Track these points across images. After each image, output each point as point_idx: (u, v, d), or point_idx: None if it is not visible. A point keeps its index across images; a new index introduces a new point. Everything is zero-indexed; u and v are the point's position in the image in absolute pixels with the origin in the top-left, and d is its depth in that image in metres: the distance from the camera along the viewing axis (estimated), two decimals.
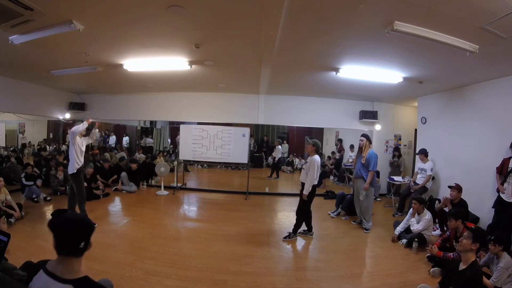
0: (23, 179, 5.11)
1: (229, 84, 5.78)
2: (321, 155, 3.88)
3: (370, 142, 4.46)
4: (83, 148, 3.96)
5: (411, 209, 3.95)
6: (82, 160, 3.95)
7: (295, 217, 3.90)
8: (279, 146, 9.09)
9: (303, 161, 10.29)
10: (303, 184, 3.81)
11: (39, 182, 5.23)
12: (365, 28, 2.70)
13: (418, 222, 3.79)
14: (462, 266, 2.09)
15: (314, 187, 3.72)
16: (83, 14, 2.60)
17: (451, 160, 4.98)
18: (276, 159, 9.18)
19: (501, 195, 3.61)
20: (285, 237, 3.83)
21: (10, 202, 3.99)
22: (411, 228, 3.80)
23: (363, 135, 4.48)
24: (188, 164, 8.07)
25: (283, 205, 5.89)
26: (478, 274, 2.04)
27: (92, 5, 2.43)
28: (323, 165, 8.76)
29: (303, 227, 3.96)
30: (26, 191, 5.05)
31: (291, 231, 3.89)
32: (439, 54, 3.22)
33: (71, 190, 3.99)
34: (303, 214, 3.86)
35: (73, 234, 1.25)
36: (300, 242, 3.80)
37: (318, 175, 3.74)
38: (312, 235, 3.98)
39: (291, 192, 6.95)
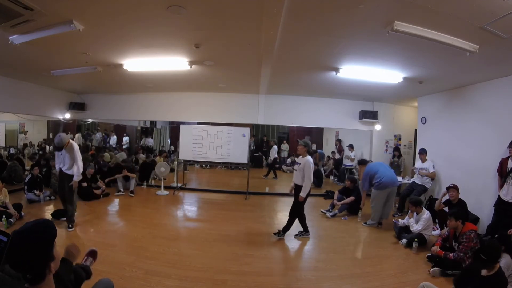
0: (26, 186, 4.93)
1: (229, 84, 5.78)
2: (312, 154, 3.90)
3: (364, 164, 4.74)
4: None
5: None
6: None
7: (288, 217, 3.86)
8: (275, 146, 9.10)
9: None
10: (296, 185, 3.78)
11: (38, 192, 4.98)
12: (365, 28, 2.70)
13: (417, 222, 3.79)
14: (485, 272, 2.07)
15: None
16: (83, 14, 2.60)
17: (451, 160, 4.97)
18: (272, 158, 9.18)
19: (500, 193, 3.61)
20: (275, 233, 3.85)
21: (7, 205, 3.96)
22: (411, 229, 3.80)
23: None
24: (188, 164, 8.07)
25: (283, 205, 5.88)
26: (503, 281, 2.03)
27: (92, 5, 2.43)
28: (315, 164, 8.82)
29: (299, 228, 3.94)
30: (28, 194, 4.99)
31: (281, 229, 3.86)
32: (439, 54, 3.22)
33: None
34: (296, 215, 3.82)
35: (25, 256, 1.02)
36: (299, 242, 3.79)
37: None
38: (309, 235, 3.93)
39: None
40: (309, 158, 3.72)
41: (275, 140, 9.91)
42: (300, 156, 3.83)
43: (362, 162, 4.96)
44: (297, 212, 3.82)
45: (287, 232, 3.87)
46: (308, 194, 3.70)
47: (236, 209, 5.37)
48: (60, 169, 3.84)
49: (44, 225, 1.14)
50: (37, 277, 1.05)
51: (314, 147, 11.28)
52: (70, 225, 3.79)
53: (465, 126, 4.69)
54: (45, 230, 1.12)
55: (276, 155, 9.14)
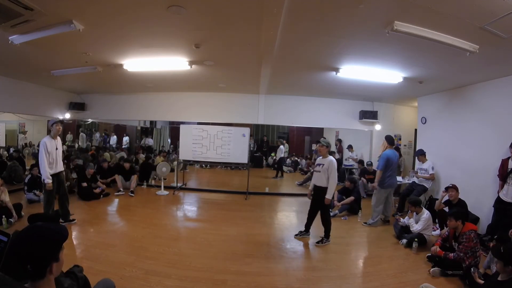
0: (26, 186, 4.99)
1: (229, 84, 5.78)
2: (331, 154, 3.81)
3: (389, 143, 4.57)
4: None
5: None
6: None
7: (323, 226, 3.74)
8: (282, 146, 9.17)
9: (303, 161, 10.34)
10: (317, 187, 3.68)
11: (38, 193, 5.00)
12: (365, 28, 2.70)
13: (417, 222, 3.79)
14: (503, 277, 2.09)
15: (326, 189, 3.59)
16: (83, 14, 2.60)
17: (451, 160, 4.97)
18: (277, 159, 9.24)
19: (500, 194, 3.61)
20: (318, 242, 3.70)
21: (7, 204, 3.96)
22: (411, 229, 3.80)
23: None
24: (188, 164, 8.09)
25: (283, 205, 5.89)
26: None
27: (92, 5, 2.43)
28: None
29: (301, 228, 3.95)
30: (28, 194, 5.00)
31: (323, 235, 3.76)
32: (439, 54, 3.22)
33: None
34: (325, 218, 3.74)
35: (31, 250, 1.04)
36: (299, 242, 3.79)
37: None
38: (309, 235, 3.90)
39: (291, 192, 6.96)
40: (332, 158, 3.66)
41: (281, 140, 10.00)
42: (321, 157, 3.71)
43: (389, 141, 4.60)
44: (325, 213, 3.71)
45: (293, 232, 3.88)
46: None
47: (236, 209, 5.36)
48: (56, 174, 3.76)
49: (55, 225, 1.18)
50: (37, 273, 1.05)
51: (313, 147, 11.29)
52: (71, 218, 3.94)
53: (465, 126, 4.69)
54: (55, 230, 1.15)
55: (282, 155, 9.21)
